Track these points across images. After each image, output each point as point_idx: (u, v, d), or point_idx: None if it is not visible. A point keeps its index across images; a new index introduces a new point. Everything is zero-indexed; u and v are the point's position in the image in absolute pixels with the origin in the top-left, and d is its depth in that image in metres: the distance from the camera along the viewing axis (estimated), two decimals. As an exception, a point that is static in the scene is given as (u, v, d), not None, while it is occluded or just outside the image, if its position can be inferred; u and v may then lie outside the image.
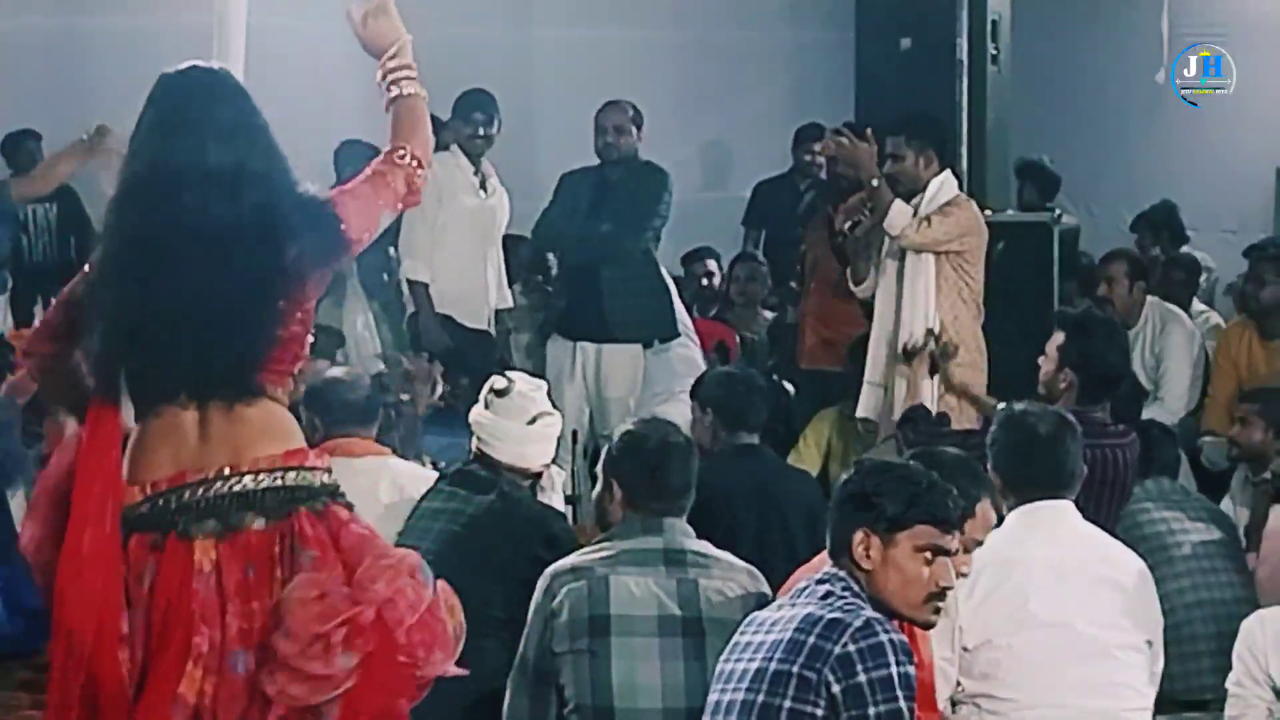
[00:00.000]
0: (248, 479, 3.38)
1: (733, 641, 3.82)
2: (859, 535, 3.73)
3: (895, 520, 3.71)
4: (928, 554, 3.72)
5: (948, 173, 6.84)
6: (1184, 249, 9.16)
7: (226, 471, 3.37)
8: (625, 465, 4.35)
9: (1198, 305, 8.45)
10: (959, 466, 4.24)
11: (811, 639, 3.59)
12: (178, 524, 3.33)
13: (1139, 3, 9.60)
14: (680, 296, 8.03)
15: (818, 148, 9.05)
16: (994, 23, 7.73)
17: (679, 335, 7.69)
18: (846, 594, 3.70)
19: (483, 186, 7.85)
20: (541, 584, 4.24)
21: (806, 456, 7.17)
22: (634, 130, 7.58)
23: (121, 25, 9.54)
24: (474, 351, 7.45)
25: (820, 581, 3.76)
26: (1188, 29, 9.20)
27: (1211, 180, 10.19)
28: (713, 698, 3.76)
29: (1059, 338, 5.51)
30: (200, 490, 3.35)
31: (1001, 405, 5.04)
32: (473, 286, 7.83)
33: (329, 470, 3.56)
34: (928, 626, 3.87)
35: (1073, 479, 4.61)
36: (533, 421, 4.99)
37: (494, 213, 7.90)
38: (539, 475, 5.12)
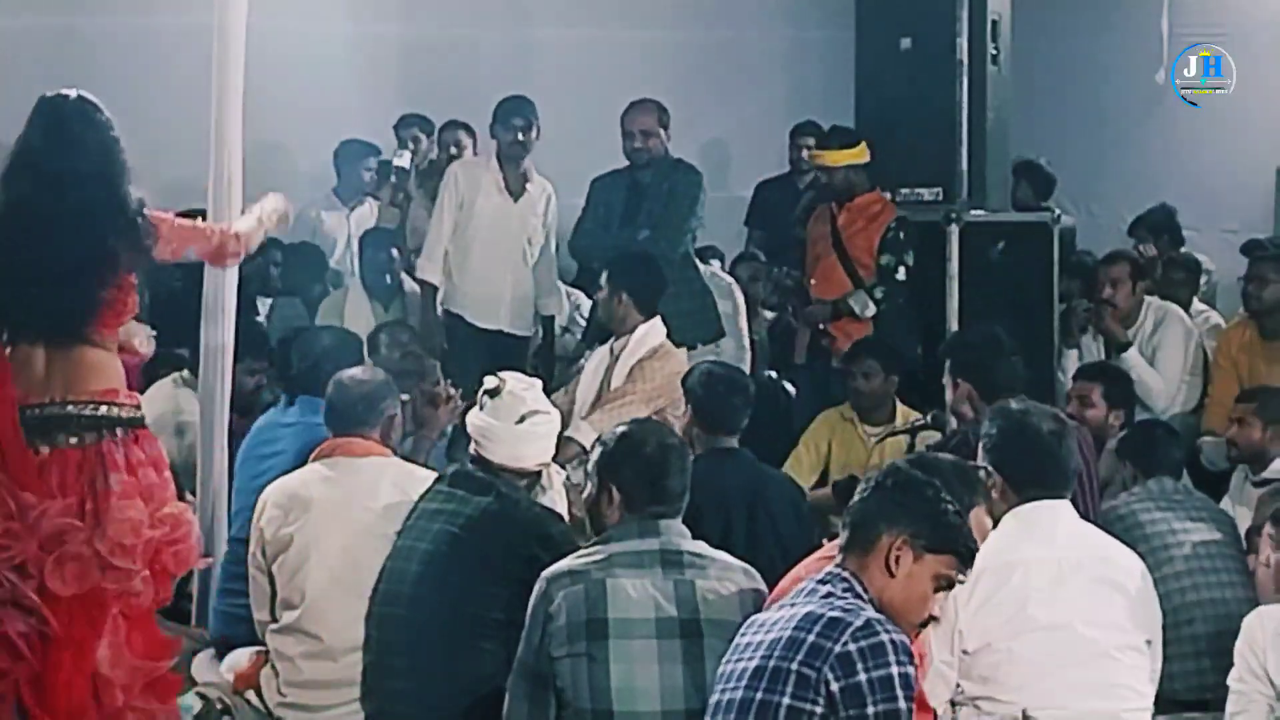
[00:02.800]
0: (70, 407, 4.66)
1: (734, 643, 3.82)
2: (897, 541, 3.76)
3: (936, 542, 3.77)
4: (941, 583, 3.78)
5: (657, 322, 6.81)
6: (1183, 249, 9.15)
7: (57, 399, 4.65)
8: (624, 469, 4.34)
9: (1198, 305, 8.45)
10: (954, 472, 4.24)
11: (811, 637, 3.60)
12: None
13: (1139, 3, 9.60)
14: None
15: (811, 143, 9.12)
16: (994, 23, 7.73)
17: (723, 335, 7.66)
18: (848, 595, 3.71)
19: (511, 190, 7.85)
20: (538, 587, 4.23)
21: (806, 462, 7.15)
22: (661, 131, 7.56)
23: (121, 25, 9.53)
24: (480, 351, 7.47)
25: (822, 582, 3.76)
26: (1188, 29, 9.21)
27: (1211, 180, 10.18)
28: (714, 698, 3.77)
29: (947, 364, 5.87)
30: (38, 411, 4.65)
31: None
32: (487, 288, 7.85)
33: (137, 406, 4.81)
34: None
35: (1072, 478, 4.62)
36: (521, 420, 4.98)
37: (522, 217, 7.89)
38: (537, 475, 5.12)
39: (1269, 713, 4.52)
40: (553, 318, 8.12)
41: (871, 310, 7.56)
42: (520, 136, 7.83)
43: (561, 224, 8.12)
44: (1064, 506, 4.56)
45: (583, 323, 8.39)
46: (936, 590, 3.79)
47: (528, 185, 7.89)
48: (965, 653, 4.34)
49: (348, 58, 9.20)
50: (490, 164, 7.90)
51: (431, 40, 10.00)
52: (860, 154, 7.62)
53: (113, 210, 4.74)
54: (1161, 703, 4.62)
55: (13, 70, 9.25)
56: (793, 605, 3.75)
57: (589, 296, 8.19)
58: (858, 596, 3.72)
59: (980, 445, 4.67)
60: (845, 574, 3.77)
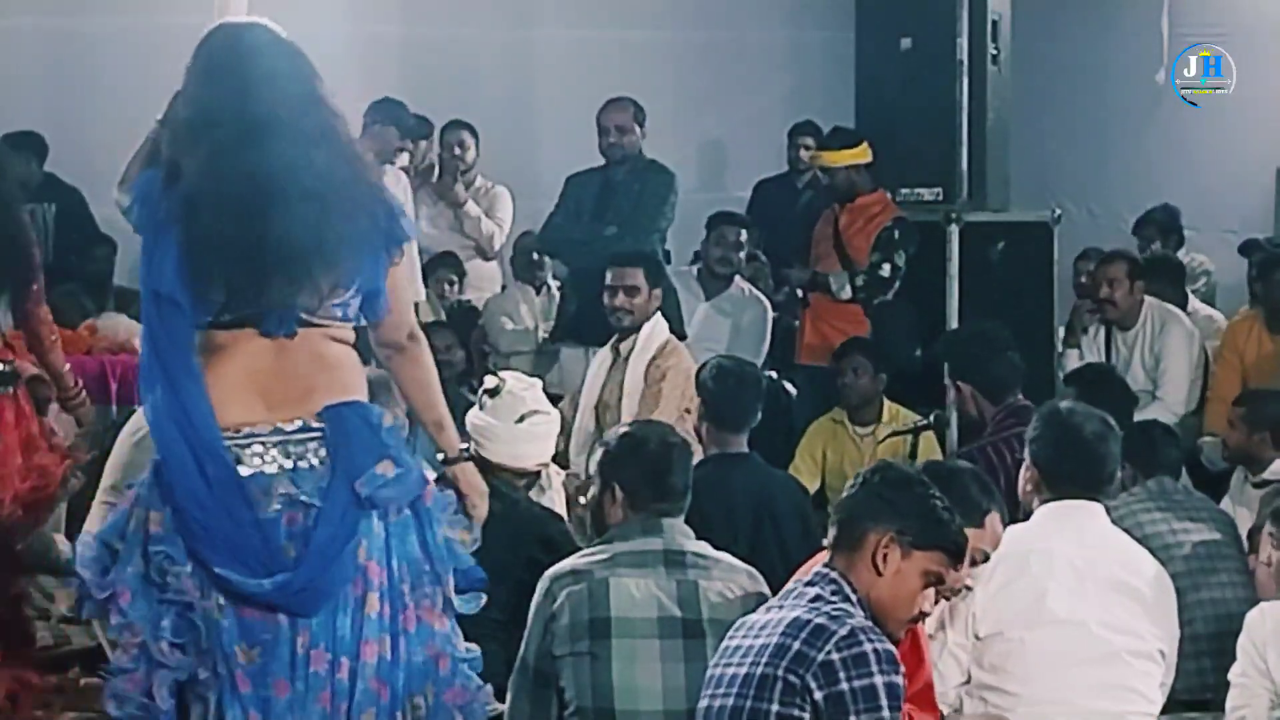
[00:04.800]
0: None
1: (722, 645, 3.81)
2: (883, 539, 3.72)
3: (923, 539, 3.73)
4: (930, 579, 3.75)
5: (659, 318, 6.84)
6: (1183, 249, 9.16)
7: None
8: (627, 467, 4.34)
9: (1197, 305, 8.44)
10: (971, 478, 4.25)
11: (797, 644, 3.59)
12: None
13: (1139, 3, 9.61)
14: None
15: (810, 143, 9.13)
16: (994, 23, 7.73)
17: (685, 338, 7.65)
18: (835, 598, 3.69)
19: None
20: (541, 586, 4.23)
21: (805, 470, 7.16)
22: (637, 129, 7.56)
23: (121, 25, 9.54)
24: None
25: (809, 584, 3.76)
26: (1188, 29, 9.22)
27: (1211, 180, 10.19)
28: (703, 703, 3.76)
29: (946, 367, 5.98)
30: None
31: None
32: None
33: (11, 362, 5.08)
34: (895, 642, 3.84)
35: (1110, 480, 4.62)
36: (521, 420, 4.99)
37: None
38: (537, 474, 5.11)
39: (1270, 707, 4.52)
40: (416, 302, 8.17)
41: (847, 294, 7.60)
42: (395, 142, 8.01)
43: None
44: (1097, 508, 4.55)
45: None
46: (926, 587, 3.76)
47: (384, 181, 7.95)
48: (978, 637, 4.34)
49: (348, 58, 9.18)
50: None
51: (431, 40, 9.99)
52: (862, 154, 7.63)
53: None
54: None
55: (13, 70, 9.26)
56: (780, 608, 3.74)
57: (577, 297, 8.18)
58: (845, 599, 3.70)
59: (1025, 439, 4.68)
60: (833, 575, 3.75)
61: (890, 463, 3.93)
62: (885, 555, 3.72)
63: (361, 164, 3.72)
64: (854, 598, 3.71)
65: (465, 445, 4.11)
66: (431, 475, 3.80)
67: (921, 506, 3.76)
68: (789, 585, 3.85)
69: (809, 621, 3.62)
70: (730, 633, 3.82)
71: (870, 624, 3.65)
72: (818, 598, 3.70)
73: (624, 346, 6.77)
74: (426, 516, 3.70)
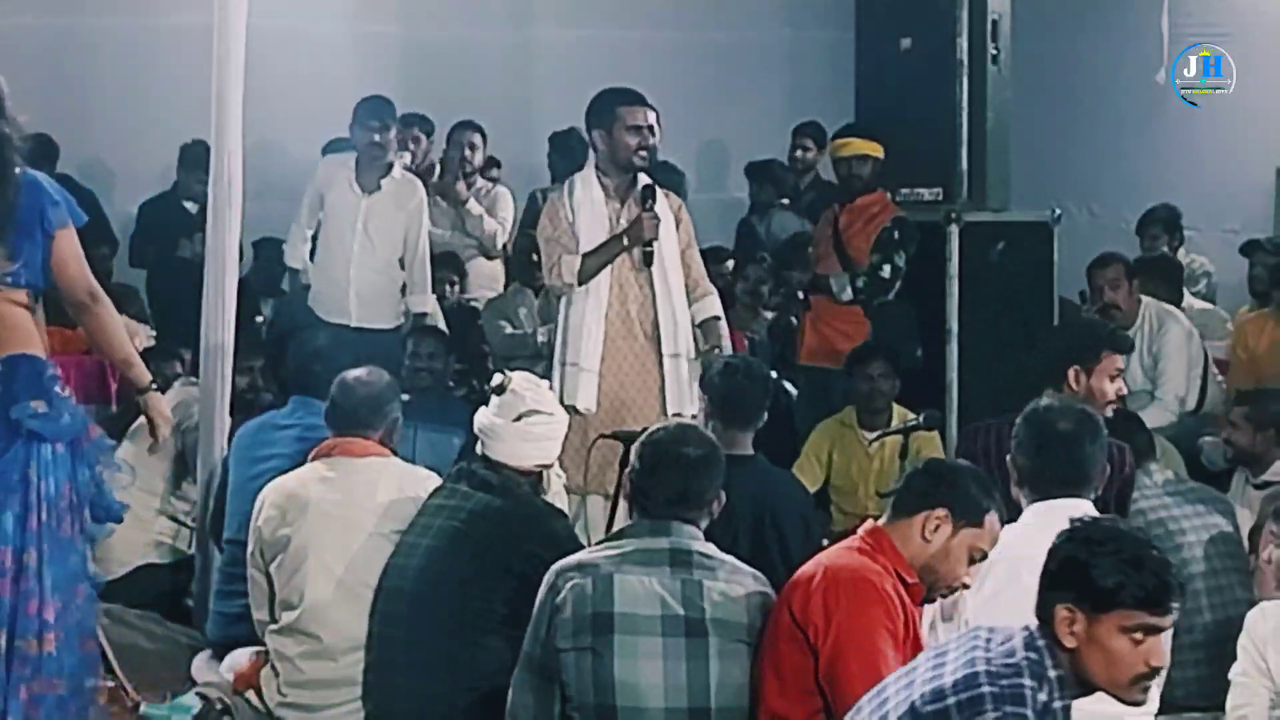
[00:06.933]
0: None
1: (936, 647, 3.66)
2: (1063, 612, 3.52)
3: (1103, 600, 3.50)
4: (1137, 634, 3.52)
5: None
6: (1181, 249, 9.17)
7: None
8: (633, 466, 4.37)
9: (1196, 302, 8.44)
10: (971, 477, 4.23)
11: (951, 704, 3.44)
12: None
13: (1139, 3, 9.59)
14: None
15: (810, 144, 9.12)
16: (994, 23, 7.73)
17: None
18: (1027, 671, 3.49)
19: (362, 186, 7.83)
20: (547, 579, 4.24)
21: (809, 471, 7.15)
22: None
23: (121, 25, 9.55)
24: (334, 345, 7.36)
25: (1025, 640, 3.56)
26: (1188, 29, 9.20)
27: (1211, 180, 10.19)
28: (888, 689, 3.61)
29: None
30: None
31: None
32: (331, 282, 7.85)
33: None
34: (1137, 705, 3.65)
35: (1091, 478, 4.58)
36: (519, 419, 4.98)
37: (370, 211, 7.83)
38: (538, 476, 5.10)
39: (1271, 707, 4.52)
40: (423, 314, 8.02)
41: (848, 295, 7.60)
42: (377, 138, 7.81)
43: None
44: (1084, 505, 4.53)
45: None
46: (1137, 643, 3.51)
47: (383, 181, 7.86)
48: None
49: (348, 58, 9.20)
50: (348, 161, 7.91)
51: (431, 40, 10.00)
52: (880, 152, 7.65)
53: None
54: (1162, 703, 4.61)
55: (13, 70, 9.25)
56: (987, 639, 3.57)
57: None
58: (1039, 673, 3.50)
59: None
60: (1041, 643, 3.55)
61: (1070, 528, 3.62)
62: (1071, 628, 3.52)
63: (9, 164, 4.71)
64: (1053, 674, 3.51)
65: (153, 382, 5.05)
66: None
67: (1095, 564, 3.51)
68: (1013, 630, 3.61)
69: (978, 685, 3.44)
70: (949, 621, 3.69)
71: (1026, 708, 3.44)
72: (1010, 660, 3.51)
73: None
74: (80, 455, 4.68)
